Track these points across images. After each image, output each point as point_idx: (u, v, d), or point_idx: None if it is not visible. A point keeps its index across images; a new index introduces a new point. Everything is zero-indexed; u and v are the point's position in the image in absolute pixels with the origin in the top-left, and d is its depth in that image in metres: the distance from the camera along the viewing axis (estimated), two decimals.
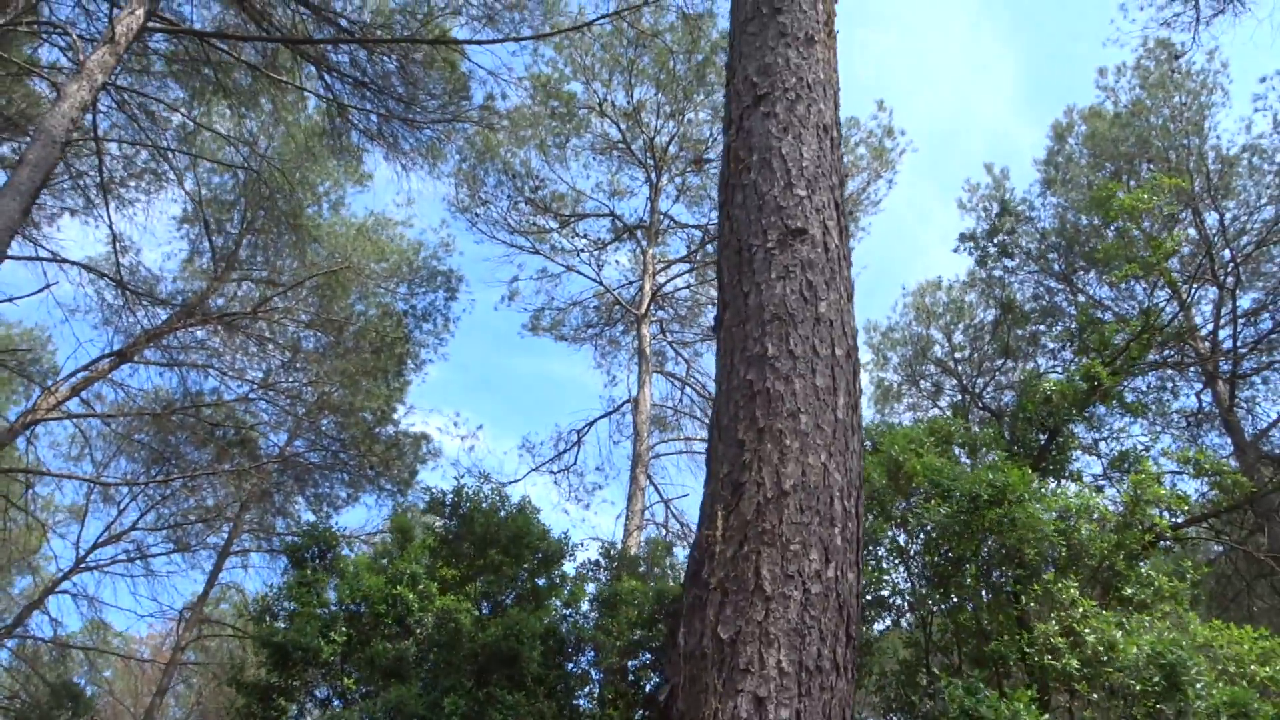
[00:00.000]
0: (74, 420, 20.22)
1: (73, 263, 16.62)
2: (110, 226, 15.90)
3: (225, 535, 22.58)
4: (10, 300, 14.55)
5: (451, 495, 12.05)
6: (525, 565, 11.93)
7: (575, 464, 22.25)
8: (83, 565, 21.90)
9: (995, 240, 20.79)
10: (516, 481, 22.31)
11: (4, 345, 19.19)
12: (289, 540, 13.24)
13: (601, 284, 22.45)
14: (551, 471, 22.64)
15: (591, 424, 22.10)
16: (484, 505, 11.89)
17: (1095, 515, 9.90)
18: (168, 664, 20.91)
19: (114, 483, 20.77)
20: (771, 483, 2.81)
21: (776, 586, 2.63)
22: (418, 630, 12.04)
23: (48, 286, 14.30)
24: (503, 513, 11.85)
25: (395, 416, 22.56)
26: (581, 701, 12.51)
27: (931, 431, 11.17)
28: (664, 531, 20.80)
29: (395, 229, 22.62)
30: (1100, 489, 12.14)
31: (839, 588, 2.70)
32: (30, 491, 20.79)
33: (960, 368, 25.35)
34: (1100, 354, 13.58)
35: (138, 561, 22.42)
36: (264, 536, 23.72)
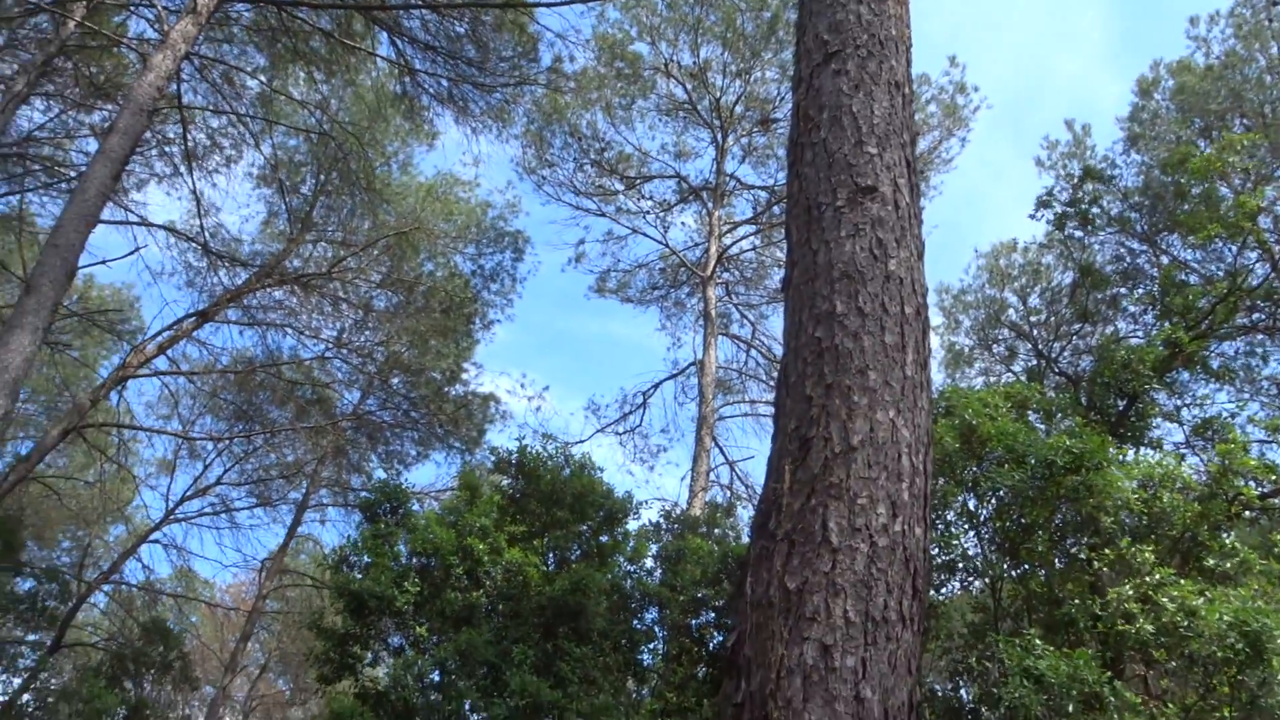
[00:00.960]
0: (161, 378, 21.04)
1: (159, 226, 17.22)
2: (194, 191, 16.42)
3: (303, 490, 23.35)
4: (103, 263, 15.15)
5: (516, 454, 12.28)
6: (589, 523, 12.14)
7: (640, 426, 22.45)
8: (172, 517, 22.89)
9: (1076, 208, 20.12)
10: (582, 443, 22.58)
11: (97, 306, 20.03)
12: (363, 495, 13.66)
13: (667, 245, 22.44)
14: (617, 433, 22.89)
15: (657, 386, 22.23)
16: (548, 464, 12.10)
17: (1178, 484, 9.65)
18: (250, 612, 21.85)
19: (200, 438, 21.63)
20: (839, 438, 2.84)
21: (843, 539, 2.66)
22: (487, 582, 12.38)
23: (137, 249, 14.88)
24: (566, 471, 12.04)
25: (464, 376, 22.98)
26: (645, 657, 12.76)
27: (1007, 396, 10.98)
28: (729, 493, 20.91)
29: (463, 189, 22.86)
30: (1182, 457, 11.79)
31: (906, 542, 2.72)
32: (122, 445, 21.78)
33: (1035, 332, 24.76)
34: (1184, 317, 13.14)
35: (223, 514, 23.35)
36: (339, 492, 24.48)
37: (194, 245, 19.95)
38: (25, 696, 17.15)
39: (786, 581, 2.65)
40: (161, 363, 20.62)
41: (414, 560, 12.27)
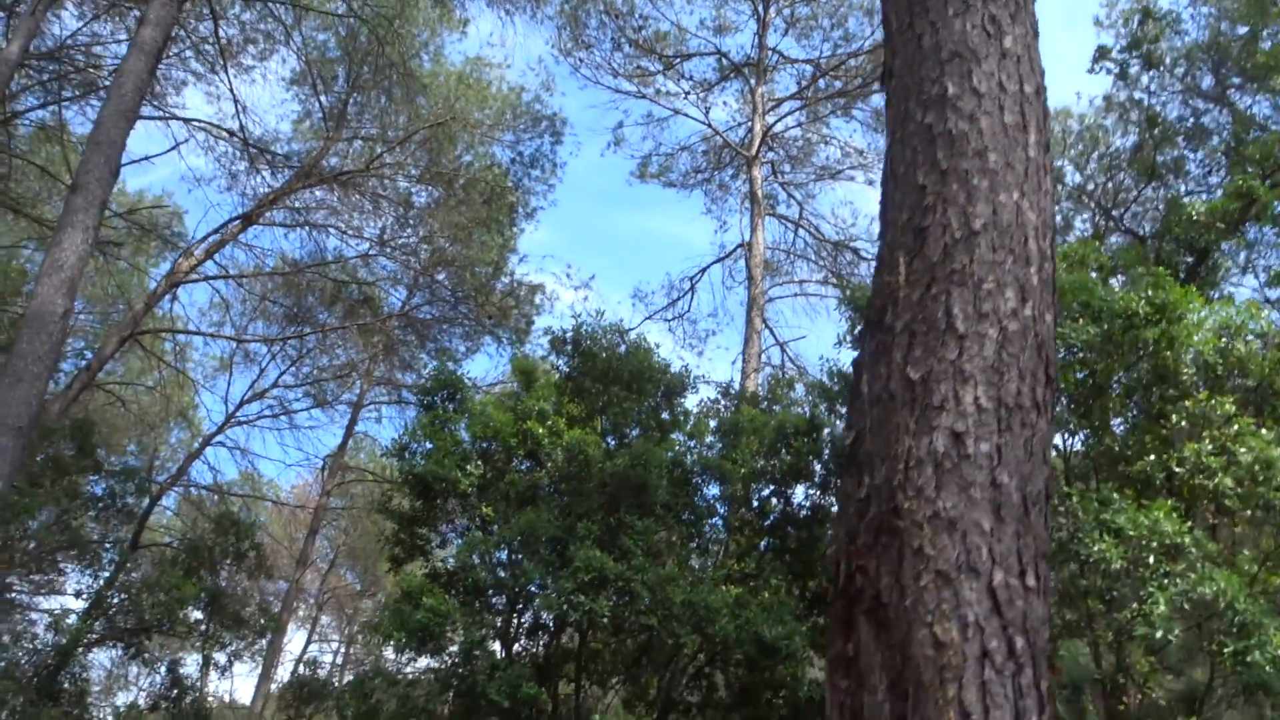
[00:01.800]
0: (211, 283, 21.22)
1: (199, 122, 17.07)
2: (230, 89, 16.17)
3: (358, 390, 23.69)
4: (146, 159, 15.08)
5: (572, 334, 12.20)
6: (648, 400, 12.10)
7: (688, 311, 22.25)
8: (233, 420, 23.40)
9: (1138, 53, 19.03)
10: (630, 331, 22.46)
11: (144, 213, 20.07)
12: (420, 384, 13.76)
13: (710, 125, 21.79)
14: (665, 320, 22.76)
15: (704, 270, 21.95)
16: (604, 342, 12.02)
17: (1255, 333, 9.32)
18: (315, 509, 22.51)
19: (253, 340, 21.91)
20: (959, 223, 2.63)
21: (970, 325, 2.48)
22: (548, 464, 12.49)
23: (178, 145, 14.72)
24: (622, 349, 11.96)
25: (509, 267, 22.84)
26: (706, 529, 12.88)
27: (1064, 256, 10.59)
28: (780, 373, 20.76)
29: (494, 71, 22.23)
30: (1259, 306, 11.38)
31: (1038, 327, 2.53)
32: (178, 350, 22.19)
33: (1095, 197, 23.95)
34: (1261, 165, 12.49)
35: (281, 416, 23.83)
36: (392, 390, 24.81)
37: (234, 148, 19.85)
38: (109, 593, 17.94)
39: (909, 372, 2.49)
40: (210, 268, 20.82)
41: (474, 445, 12.39)
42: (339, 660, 32.53)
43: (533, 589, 10.94)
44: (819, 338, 50.93)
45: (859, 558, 2.44)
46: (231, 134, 17.62)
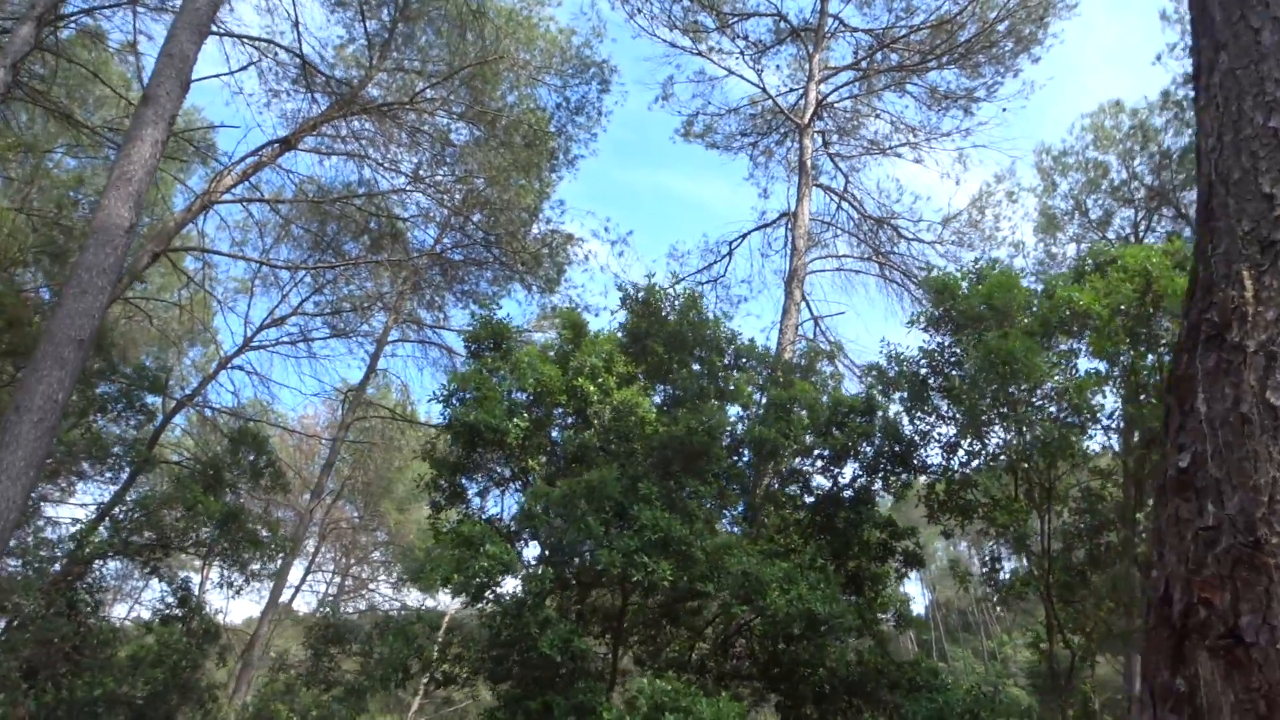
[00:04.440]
0: (245, 205, 20.84)
1: (260, 40, 16.62)
2: (294, 8, 15.67)
3: (382, 325, 23.45)
4: (216, 77, 14.70)
5: (643, 292, 11.98)
6: (710, 365, 11.95)
7: (724, 276, 22.01)
8: (251, 345, 23.17)
9: None
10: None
11: (184, 128, 19.62)
12: (467, 330, 13.55)
13: (763, 89, 21.34)
14: (699, 282, 22.51)
15: (744, 236, 21.68)
16: (676, 304, 11.82)
17: None
18: (334, 440, 22.39)
19: (281, 265, 21.59)
20: None
21: None
22: (595, 422, 12.35)
23: (250, 64, 14.27)
24: (693, 314, 11.77)
25: (544, 214, 22.50)
26: (744, 501, 12.83)
27: (1165, 254, 10.41)
28: (816, 347, 20.56)
29: (544, 11, 21.66)
30: None
31: None
32: (206, 269, 21.86)
33: (1139, 195, 23.74)
34: None
35: (301, 344, 23.59)
36: (414, 328, 24.58)
37: (279, 67, 19.38)
38: (118, 510, 17.83)
39: (1270, 398, 2.32)
40: (242, 189, 20.42)
41: (523, 395, 12.22)
42: (332, 591, 32.70)
43: (585, 546, 10.82)
44: (856, 314, 51.13)
45: (1204, 589, 2.30)
46: (292, 53, 17.17)
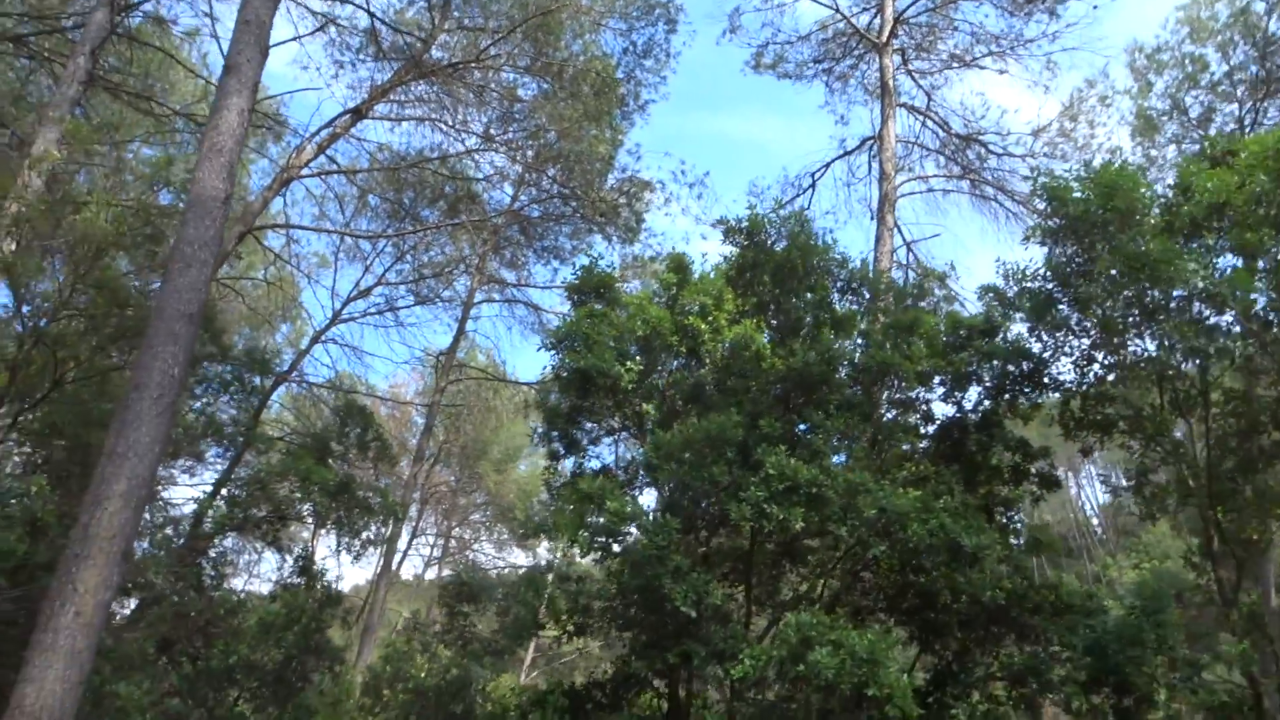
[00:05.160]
0: (321, 177, 20.93)
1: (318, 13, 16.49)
2: None
3: (467, 288, 23.46)
4: (295, 39, 14.61)
5: (746, 222, 11.58)
6: (821, 293, 11.51)
7: (807, 209, 21.38)
8: (340, 318, 23.41)
9: None
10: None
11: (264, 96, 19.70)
12: (571, 281, 13.34)
13: (836, 8, 20.50)
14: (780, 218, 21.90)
15: (827, 166, 21.01)
16: (783, 231, 11.40)
17: None
18: (430, 406, 22.60)
19: (362, 234, 21.68)
20: None
21: None
22: (708, 360, 12.08)
23: (324, 24, 14.12)
24: (803, 238, 11.32)
25: (619, 163, 22.09)
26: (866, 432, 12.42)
27: None
28: (906, 273, 19.93)
29: None
30: None
31: None
32: (289, 246, 22.11)
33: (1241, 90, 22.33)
34: None
35: (388, 314, 23.77)
36: (499, 288, 24.56)
37: (341, 41, 19.33)
38: (232, 487, 18.27)
39: None
40: (316, 164, 20.48)
41: (633, 339, 11.96)
42: (437, 554, 33.41)
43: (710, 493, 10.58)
44: (956, 235, 49.90)
45: None
46: (361, 8, 17.05)
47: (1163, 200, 10.39)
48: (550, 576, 11.05)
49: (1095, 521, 52.95)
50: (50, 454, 12.46)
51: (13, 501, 10.65)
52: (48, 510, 10.43)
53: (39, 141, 11.75)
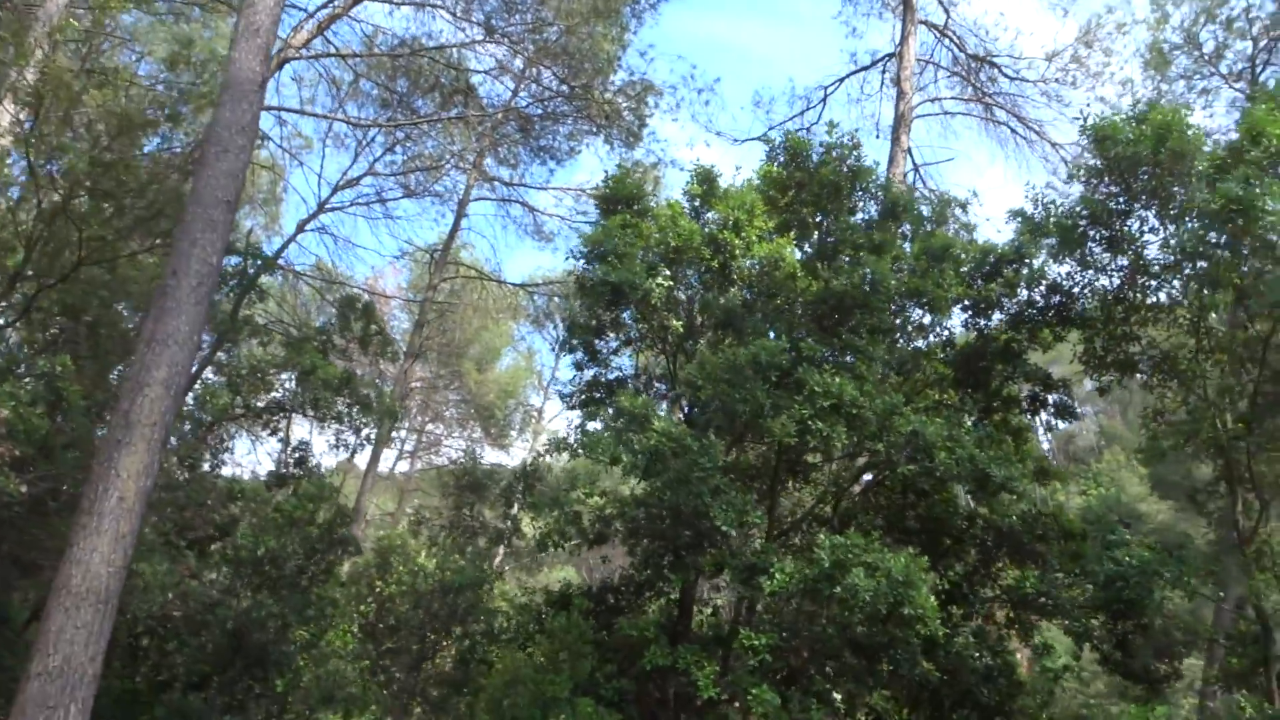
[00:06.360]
0: (320, 61, 20.02)
1: None
2: None
3: (456, 184, 22.89)
4: None
5: (788, 141, 11.36)
6: (862, 215, 11.44)
7: (816, 124, 21.01)
8: (326, 206, 22.74)
9: None
10: (749, 140, 21.30)
11: None
12: (599, 189, 13.06)
13: None
14: (785, 133, 21.54)
15: (841, 81, 20.59)
16: (825, 154, 11.21)
17: None
18: (423, 301, 22.28)
19: (356, 121, 20.93)
20: None
21: None
22: (737, 279, 11.99)
23: None
24: (853, 159, 11.15)
25: (627, 64, 21.43)
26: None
27: None
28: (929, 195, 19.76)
29: None
30: None
31: None
32: (286, 129, 21.28)
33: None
34: None
35: (376, 205, 23.17)
36: (492, 186, 24.00)
37: None
38: (208, 373, 17.94)
39: None
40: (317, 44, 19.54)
41: (663, 252, 11.78)
42: (411, 448, 33.53)
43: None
44: (968, 158, 48.85)
45: None
46: None
47: (1222, 144, 10.39)
48: (575, 492, 11.10)
49: (1046, 448, 54.69)
50: (65, 334, 12.11)
51: (33, 378, 10.39)
52: (74, 390, 10.19)
53: (49, 3, 11.02)
